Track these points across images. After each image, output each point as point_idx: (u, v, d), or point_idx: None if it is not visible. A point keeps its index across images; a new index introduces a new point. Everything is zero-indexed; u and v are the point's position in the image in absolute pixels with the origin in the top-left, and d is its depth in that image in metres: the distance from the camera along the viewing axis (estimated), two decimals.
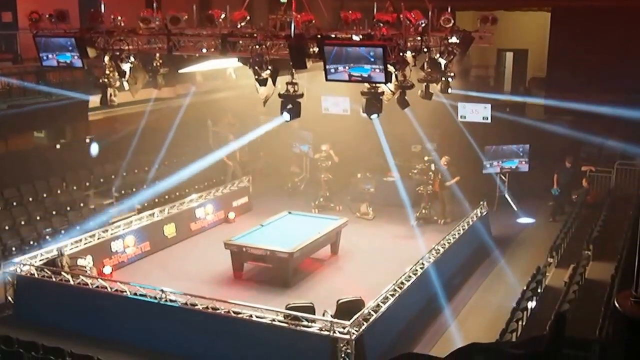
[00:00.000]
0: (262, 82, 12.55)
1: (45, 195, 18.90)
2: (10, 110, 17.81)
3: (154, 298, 13.28)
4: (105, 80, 14.20)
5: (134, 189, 20.76)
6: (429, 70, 14.14)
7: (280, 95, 12.87)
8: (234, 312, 12.63)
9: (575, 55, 20.61)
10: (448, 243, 16.05)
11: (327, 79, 11.85)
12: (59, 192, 19.34)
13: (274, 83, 12.72)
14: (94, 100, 16.89)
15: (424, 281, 14.26)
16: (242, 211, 20.98)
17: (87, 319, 13.77)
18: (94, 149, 20.93)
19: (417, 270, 14.30)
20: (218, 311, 12.74)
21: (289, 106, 12.82)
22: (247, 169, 23.88)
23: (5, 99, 18.15)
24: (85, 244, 16.04)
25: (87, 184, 20.35)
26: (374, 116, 12.99)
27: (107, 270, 15.91)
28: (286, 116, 12.94)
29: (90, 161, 20.73)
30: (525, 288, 13.77)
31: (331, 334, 11.72)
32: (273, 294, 14.90)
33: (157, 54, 14.39)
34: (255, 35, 12.45)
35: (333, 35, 12.32)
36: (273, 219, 17.84)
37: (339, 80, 11.91)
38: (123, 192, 20.69)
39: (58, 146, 21.06)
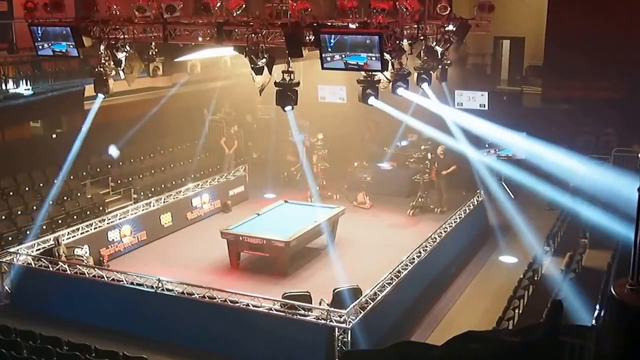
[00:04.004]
0: (258, 71, 12.52)
1: (41, 184, 18.86)
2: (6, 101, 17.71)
3: (150, 287, 13.29)
4: (101, 69, 14.18)
5: (130, 179, 20.74)
6: (426, 58, 14.12)
7: (276, 84, 12.83)
8: (231, 301, 12.65)
9: (573, 43, 20.53)
10: (445, 232, 16.06)
11: (323, 68, 11.83)
12: (55, 181, 19.29)
13: (270, 72, 12.69)
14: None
15: (420, 270, 14.27)
16: (239, 200, 20.97)
17: (84, 308, 13.77)
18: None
19: (414, 258, 14.31)
20: (215, 300, 12.75)
21: (285, 95, 12.79)
22: (242, 159, 23.84)
23: (1, 89, 18.04)
24: (82, 233, 16.04)
25: (84, 173, 20.32)
26: (373, 101, 13.01)
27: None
28: (288, 107, 12.91)
29: (87, 151, 20.67)
30: (521, 276, 13.80)
31: (328, 322, 11.75)
32: (270, 283, 14.90)
33: (153, 43, 14.35)
34: (251, 23, 12.44)
35: (329, 24, 12.30)
36: (269, 208, 17.83)
37: (335, 69, 11.90)
38: (120, 181, 20.67)
39: (54, 136, 20.99)
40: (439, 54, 13.98)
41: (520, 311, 12.53)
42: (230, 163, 22.82)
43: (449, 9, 13.83)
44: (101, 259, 15.86)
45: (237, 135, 23.85)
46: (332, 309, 11.97)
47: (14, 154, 18.86)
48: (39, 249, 15.13)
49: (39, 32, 13.70)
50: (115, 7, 13.29)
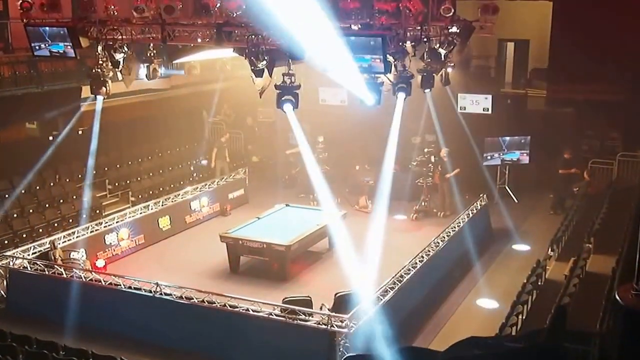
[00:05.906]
0: (259, 73, 12.35)
1: (37, 187, 18.67)
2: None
3: (148, 291, 13.14)
4: (99, 70, 14.00)
5: (128, 181, 20.56)
6: (429, 60, 13.98)
7: (276, 87, 12.66)
8: (230, 306, 12.49)
9: (578, 46, 20.36)
10: (448, 236, 15.89)
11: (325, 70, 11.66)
12: (51, 184, 19.12)
13: (271, 74, 12.52)
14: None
15: (423, 274, 14.09)
16: (238, 204, 20.78)
17: (81, 313, 13.56)
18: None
19: (416, 263, 14.14)
20: (214, 305, 12.59)
21: (286, 98, 12.62)
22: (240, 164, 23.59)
23: None
24: (78, 236, 15.86)
25: (80, 176, 20.11)
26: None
27: (100, 263, 15.69)
28: (288, 108, 12.72)
29: (84, 153, 20.49)
30: (525, 281, 13.64)
31: (329, 327, 11.57)
32: (270, 288, 14.75)
33: (151, 44, 14.18)
34: (251, 24, 12.25)
35: None
36: (270, 212, 17.66)
37: None
38: (117, 184, 20.49)
39: (51, 138, 20.82)
40: (443, 56, 13.84)
41: (524, 317, 12.37)
42: (222, 171, 22.37)
43: (453, 10, 13.66)
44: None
45: (230, 143, 23.41)
46: (334, 313, 11.80)
47: (10, 156, 18.67)
48: (35, 253, 14.95)
49: (38, 32, 13.49)
50: (112, 7, 13.09)
